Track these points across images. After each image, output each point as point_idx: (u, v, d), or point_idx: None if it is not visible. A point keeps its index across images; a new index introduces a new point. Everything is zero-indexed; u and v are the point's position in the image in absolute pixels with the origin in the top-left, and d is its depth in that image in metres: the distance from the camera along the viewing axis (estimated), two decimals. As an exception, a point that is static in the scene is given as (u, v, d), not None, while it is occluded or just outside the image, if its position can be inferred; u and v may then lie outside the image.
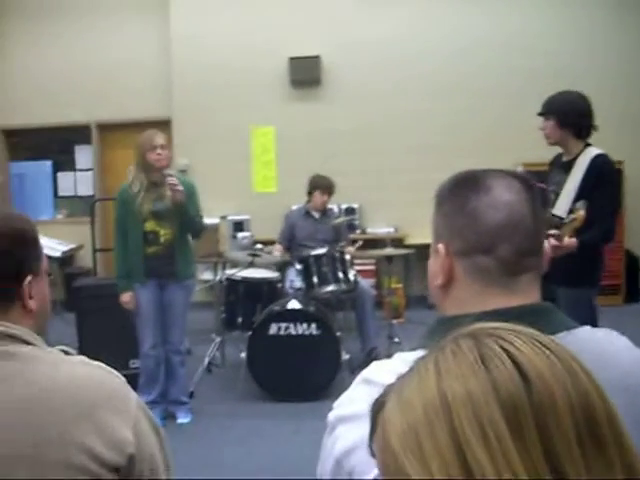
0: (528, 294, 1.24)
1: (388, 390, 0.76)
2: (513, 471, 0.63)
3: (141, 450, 1.39)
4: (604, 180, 3.83)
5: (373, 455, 0.76)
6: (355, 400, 1.19)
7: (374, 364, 1.24)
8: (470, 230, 1.23)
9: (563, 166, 4.00)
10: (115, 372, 1.45)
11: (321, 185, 6.38)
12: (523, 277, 1.23)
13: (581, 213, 3.45)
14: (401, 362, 1.13)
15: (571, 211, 3.63)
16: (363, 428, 0.87)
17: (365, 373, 1.22)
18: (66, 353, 1.45)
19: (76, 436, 1.29)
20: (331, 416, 1.22)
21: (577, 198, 3.73)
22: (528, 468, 0.63)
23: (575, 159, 3.92)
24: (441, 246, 1.27)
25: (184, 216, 4.67)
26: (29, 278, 1.45)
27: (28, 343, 1.39)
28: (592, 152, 3.89)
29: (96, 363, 1.44)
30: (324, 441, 1.25)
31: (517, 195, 1.23)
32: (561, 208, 3.84)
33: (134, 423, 1.38)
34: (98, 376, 1.40)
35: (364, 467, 1.12)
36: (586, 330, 1.22)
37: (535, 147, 4.83)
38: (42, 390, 1.31)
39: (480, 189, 1.24)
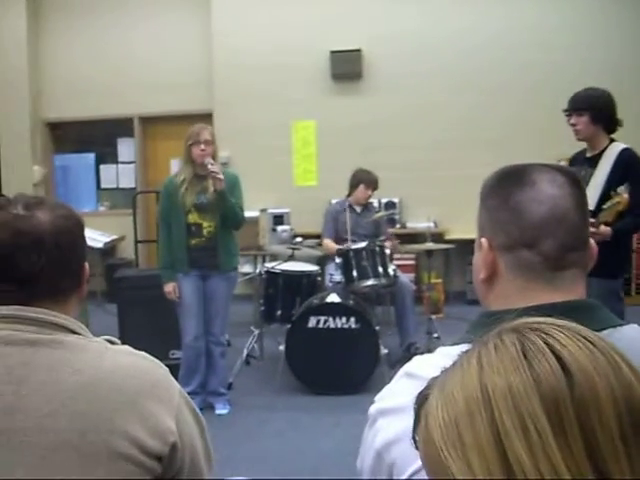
0: (572, 290, 1.22)
1: (432, 383, 0.77)
2: (553, 465, 0.63)
3: (183, 439, 1.41)
4: (633, 172, 3.92)
5: (416, 447, 0.77)
6: (397, 393, 1.19)
7: (416, 358, 1.24)
8: (513, 224, 1.22)
9: (587, 161, 4.09)
10: (159, 362, 1.48)
11: (366, 179, 6.34)
12: (567, 273, 1.22)
13: (625, 196, 3.54)
14: (443, 356, 1.13)
15: (606, 199, 3.69)
16: (405, 421, 0.87)
17: (407, 367, 1.22)
18: (111, 343, 1.47)
19: (120, 424, 1.31)
20: (372, 409, 1.23)
21: (605, 190, 3.82)
22: (569, 463, 0.63)
23: (600, 154, 4.02)
24: (484, 240, 1.26)
25: (223, 204, 4.70)
26: (86, 264, 1.51)
27: (74, 332, 1.41)
28: (619, 146, 4.01)
29: (140, 353, 1.47)
30: (364, 434, 1.25)
31: (561, 189, 1.22)
32: (588, 202, 3.85)
33: (177, 413, 1.40)
34: (142, 366, 1.42)
35: (405, 459, 1.12)
36: (633, 328, 1.20)
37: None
38: (88, 379, 1.34)
39: (524, 183, 1.23)
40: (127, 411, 1.33)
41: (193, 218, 4.80)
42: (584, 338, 0.70)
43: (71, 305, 1.46)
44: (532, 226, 1.20)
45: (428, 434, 0.72)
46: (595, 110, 3.97)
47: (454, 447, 0.68)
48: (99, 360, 1.38)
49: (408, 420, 0.82)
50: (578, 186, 1.26)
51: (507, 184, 1.26)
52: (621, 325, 1.19)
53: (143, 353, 1.47)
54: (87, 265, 1.52)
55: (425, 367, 1.15)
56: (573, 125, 4.04)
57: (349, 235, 5.91)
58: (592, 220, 3.54)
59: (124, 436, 1.31)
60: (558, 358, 0.67)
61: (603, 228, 3.61)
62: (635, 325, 1.22)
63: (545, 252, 1.20)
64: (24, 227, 1.38)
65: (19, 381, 1.32)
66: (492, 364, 0.70)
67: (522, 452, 0.64)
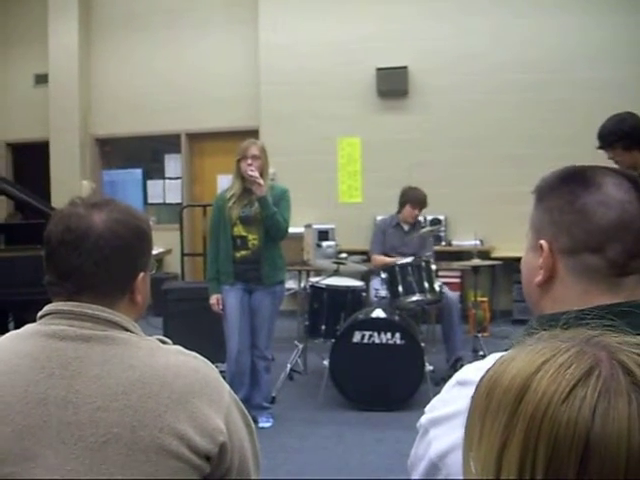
0: (633, 295, 1.17)
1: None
2: None
3: (232, 440, 1.40)
4: None
5: None
6: (449, 402, 1.16)
7: (466, 367, 1.21)
8: (579, 228, 1.18)
9: None
10: (210, 363, 1.48)
11: (413, 199, 6.31)
12: (630, 278, 1.18)
13: None
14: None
15: None
16: (459, 429, 0.85)
17: (458, 376, 1.19)
18: (163, 342, 1.48)
19: (170, 422, 1.32)
20: (423, 419, 1.20)
21: None
22: None
23: None
24: (544, 243, 1.21)
25: (264, 211, 4.73)
26: (142, 275, 1.48)
27: (127, 330, 1.42)
28: None
29: (192, 353, 1.47)
30: (415, 444, 1.22)
31: (627, 194, 1.18)
32: None
33: (226, 413, 1.40)
34: (194, 365, 1.42)
35: (460, 469, 1.09)
36: None
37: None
38: (140, 375, 1.34)
39: (589, 185, 1.19)
40: (177, 409, 1.33)
41: (238, 231, 4.84)
42: None
43: (119, 307, 1.45)
44: (599, 230, 1.16)
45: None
46: (625, 138, 3.84)
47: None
48: (151, 357, 1.38)
49: (462, 429, 0.80)
50: None
51: (571, 185, 1.21)
52: None
53: (194, 353, 1.47)
54: (143, 276, 1.49)
55: (477, 373, 1.12)
56: (611, 159, 3.90)
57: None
58: None
59: (173, 433, 1.31)
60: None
61: None
62: None
63: (611, 258, 1.16)
64: (73, 224, 1.41)
65: (72, 375, 1.33)
66: (554, 372, 0.67)
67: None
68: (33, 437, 1.30)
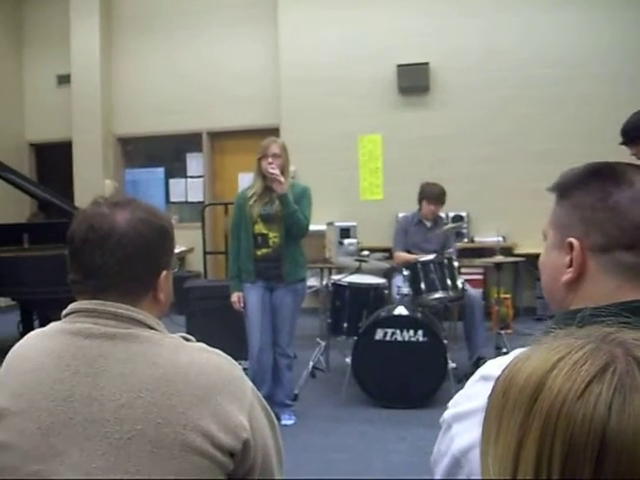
0: None
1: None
2: None
3: (255, 437, 1.41)
4: None
5: None
6: (472, 397, 1.15)
7: (490, 361, 1.20)
8: (612, 225, 1.16)
9: None
10: (233, 360, 1.48)
11: (428, 195, 6.27)
12: None
13: None
14: None
15: None
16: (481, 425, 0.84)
17: (482, 371, 1.18)
18: (186, 340, 1.49)
19: (194, 419, 1.32)
20: (446, 415, 1.19)
21: None
22: None
23: None
24: (575, 241, 1.19)
25: (285, 209, 4.73)
26: (164, 273, 1.49)
27: (151, 328, 1.43)
28: None
29: (215, 350, 1.47)
30: (438, 440, 1.22)
31: None
32: None
33: (249, 410, 1.41)
34: (217, 363, 1.43)
35: None
36: None
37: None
38: (164, 372, 1.35)
39: (621, 182, 1.17)
40: (201, 406, 1.34)
41: (259, 229, 4.85)
42: None
43: (143, 305, 1.46)
44: (633, 227, 1.15)
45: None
46: None
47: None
48: (175, 355, 1.39)
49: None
50: None
51: (602, 182, 1.19)
52: None
53: (217, 351, 1.48)
54: (166, 274, 1.50)
55: (500, 368, 1.12)
56: (634, 155, 3.85)
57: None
58: None
59: (197, 430, 1.32)
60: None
61: None
62: None
63: None
64: (96, 224, 1.43)
65: (97, 373, 1.35)
66: (569, 370, 0.67)
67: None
68: (59, 434, 1.31)
